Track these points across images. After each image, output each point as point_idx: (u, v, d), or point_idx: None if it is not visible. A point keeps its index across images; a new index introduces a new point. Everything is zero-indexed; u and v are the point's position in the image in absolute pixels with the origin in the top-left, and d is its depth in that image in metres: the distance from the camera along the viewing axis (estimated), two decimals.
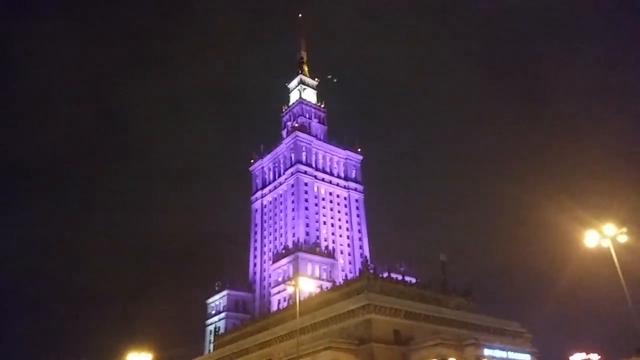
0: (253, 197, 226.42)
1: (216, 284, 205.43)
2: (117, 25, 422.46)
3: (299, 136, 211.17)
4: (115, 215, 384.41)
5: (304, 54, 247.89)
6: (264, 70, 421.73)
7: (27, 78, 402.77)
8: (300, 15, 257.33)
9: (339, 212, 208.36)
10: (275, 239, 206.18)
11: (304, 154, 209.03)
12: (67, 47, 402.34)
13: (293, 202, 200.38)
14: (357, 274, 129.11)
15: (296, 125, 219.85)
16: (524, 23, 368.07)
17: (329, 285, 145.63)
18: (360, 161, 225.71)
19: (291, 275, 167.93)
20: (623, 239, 47.37)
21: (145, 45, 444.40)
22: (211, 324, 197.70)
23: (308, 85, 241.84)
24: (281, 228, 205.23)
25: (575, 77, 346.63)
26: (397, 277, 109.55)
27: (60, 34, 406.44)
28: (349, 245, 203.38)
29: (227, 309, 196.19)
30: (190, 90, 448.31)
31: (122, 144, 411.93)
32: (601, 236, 48.09)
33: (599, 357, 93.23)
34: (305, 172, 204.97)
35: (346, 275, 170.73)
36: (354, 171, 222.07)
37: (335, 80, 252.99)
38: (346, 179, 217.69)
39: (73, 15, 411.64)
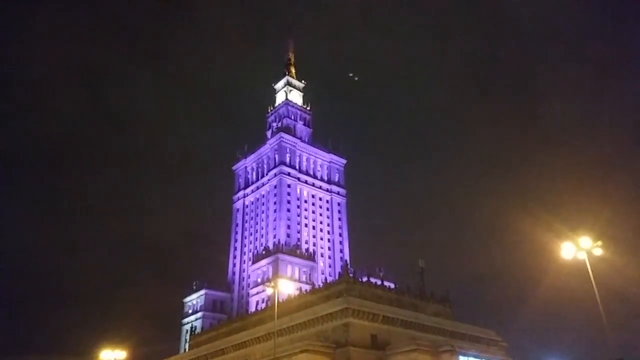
0: (235, 197, 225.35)
1: (194, 283, 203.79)
2: (114, 20, 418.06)
3: (283, 137, 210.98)
4: (97, 213, 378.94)
5: (291, 56, 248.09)
6: (252, 70, 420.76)
7: (21, 73, 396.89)
8: (289, 17, 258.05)
9: (320, 215, 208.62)
10: (256, 240, 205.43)
11: (288, 155, 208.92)
12: (64, 42, 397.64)
13: (275, 203, 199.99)
14: (337, 277, 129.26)
15: (281, 126, 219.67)
16: (520, 38, 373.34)
17: (308, 287, 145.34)
18: (344, 165, 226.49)
19: (270, 277, 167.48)
20: (598, 252, 48.54)
21: (140, 41, 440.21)
22: (187, 323, 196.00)
23: (294, 87, 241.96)
24: (262, 229, 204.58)
25: (565, 91, 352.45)
26: (376, 282, 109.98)
27: (57, 28, 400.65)
28: (329, 249, 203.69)
29: (204, 308, 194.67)
30: (181, 88, 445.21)
31: (112, 141, 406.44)
32: (577, 249, 49.17)
33: None
34: (289, 174, 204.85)
35: (326, 279, 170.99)
36: (337, 175, 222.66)
37: (356, 79, 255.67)
38: (329, 182, 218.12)
39: (70, 10, 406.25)
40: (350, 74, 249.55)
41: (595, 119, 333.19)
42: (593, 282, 48.60)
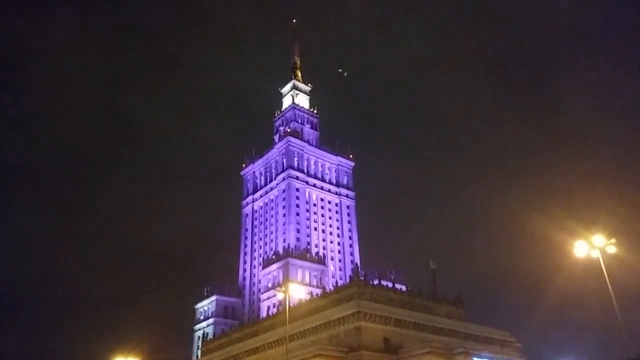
0: (244, 202, 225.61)
1: (205, 289, 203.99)
2: (129, 27, 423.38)
3: (291, 141, 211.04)
4: (108, 219, 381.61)
5: (297, 60, 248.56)
6: (258, 75, 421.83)
7: (37, 76, 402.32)
8: (294, 20, 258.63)
9: (330, 218, 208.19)
10: (266, 244, 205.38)
11: (295, 159, 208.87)
12: (78, 47, 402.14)
13: (284, 207, 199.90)
14: (348, 280, 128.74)
15: (288, 130, 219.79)
16: (532, 35, 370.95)
17: (319, 291, 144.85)
18: (352, 167, 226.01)
19: (281, 281, 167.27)
20: (612, 249, 47.80)
21: (153, 48, 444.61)
22: (199, 329, 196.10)
23: (301, 90, 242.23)
24: (272, 233, 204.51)
25: (581, 90, 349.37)
26: (387, 285, 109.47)
27: (72, 33, 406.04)
28: (339, 252, 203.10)
29: (215, 314, 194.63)
30: (189, 94, 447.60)
31: (124, 147, 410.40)
32: (590, 247, 48.49)
33: None
34: (297, 178, 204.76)
35: (336, 282, 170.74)
36: (345, 177, 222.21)
37: (345, 74, 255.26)
38: (338, 185, 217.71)
39: (85, 14, 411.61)
40: (340, 70, 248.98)
41: (610, 117, 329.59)
42: (607, 281, 47.84)
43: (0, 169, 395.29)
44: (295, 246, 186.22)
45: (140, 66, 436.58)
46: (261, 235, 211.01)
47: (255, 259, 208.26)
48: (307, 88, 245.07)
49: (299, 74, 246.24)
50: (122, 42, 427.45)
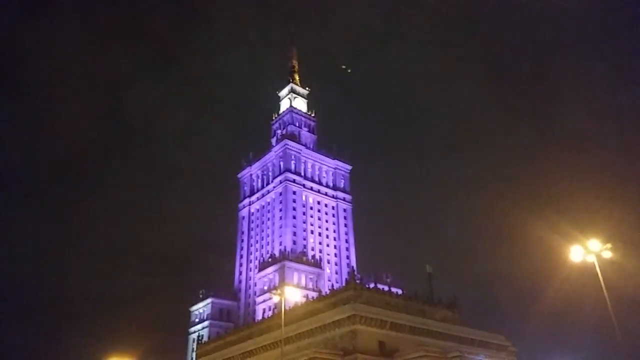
0: (240, 205, 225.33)
1: (200, 291, 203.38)
2: (132, 29, 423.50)
3: (288, 144, 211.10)
4: (105, 221, 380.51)
5: (295, 63, 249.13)
6: (256, 78, 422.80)
7: (39, 77, 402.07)
8: (293, 25, 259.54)
9: (326, 221, 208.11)
10: (262, 247, 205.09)
11: (293, 162, 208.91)
12: (81, 48, 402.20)
13: (281, 210, 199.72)
14: (344, 284, 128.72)
15: (286, 133, 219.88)
16: (533, 38, 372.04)
17: (315, 294, 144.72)
18: (349, 171, 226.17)
19: (277, 284, 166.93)
20: (608, 254, 47.93)
21: (153, 50, 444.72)
22: (194, 332, 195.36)
23: (299, 94, 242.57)
24: (268, 236, 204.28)
25: (580, 98, 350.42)
26: (383, 288, 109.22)
27: (74, 35, 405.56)
28: (335, 255, 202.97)
29: (211, 317, 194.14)
30: (192, 96, 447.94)
31: (122, 149, 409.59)
32: (586, 251, 48.60)
33: None
34: (294, 181, 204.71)
35: (332, 285, 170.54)
36: (342, 181, 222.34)
37: (349, 71, 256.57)
38: (335, 188, 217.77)
39: (88, 16, 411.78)
40: (343, 66, 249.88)
41: (607, 121, 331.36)
42: (603, 286, 47.96)
43: (2, 169, 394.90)
44: (291, 249, 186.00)
45: (141, 68, 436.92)
46: (257, 238, 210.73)
47: (251, 262, 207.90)
48: (305, 91, 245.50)
49: (297, 78, 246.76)
50: (125, 44, 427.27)
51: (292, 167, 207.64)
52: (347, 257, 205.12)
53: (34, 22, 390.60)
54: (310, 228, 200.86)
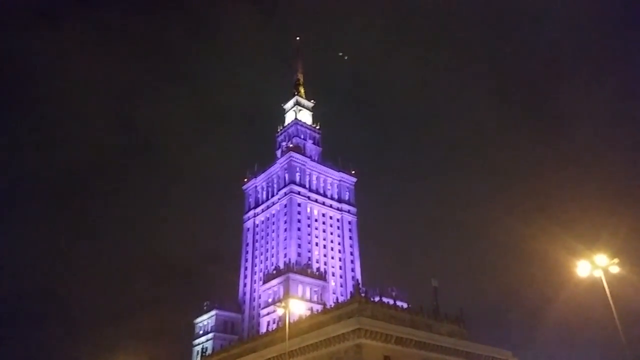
0: (245, 216, 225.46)
1: (205, 303, 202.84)
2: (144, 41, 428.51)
3: (293, 157, 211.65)
4: (109, 232, 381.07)
5: (300, 76, 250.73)
6: (264, 90, 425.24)
7: (51, 89, 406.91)
8: (298, 38, 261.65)
9: (331, 234, 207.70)
10: (267, 259, 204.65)
11: (298, 174, 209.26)
12: (93, 60, 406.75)
13: (285, 222, 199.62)
14: (349, 297, 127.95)
15: (291, 145, 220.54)
16: (540, 52, 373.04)
17: (319, 307, 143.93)
18: (354, 183, 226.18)
19: (281, 297, 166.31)
20: (615, 269, 47.60)
21: (162, 62, 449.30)
22: (199, 344, 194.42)
23: (304, 106, 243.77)
24: (273, 248, 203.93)
25: (585, 113, 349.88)
26: (388, 302, 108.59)
27: (86, 46, 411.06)
28: (340, 268, 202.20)
29: (215, 329, 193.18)
30: (199, 108, 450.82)
31: (130, 158, 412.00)
32: (593, 267, 48.26)
33: None
34: (299, 193, 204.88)
35: (337, 298, 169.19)
36: (347, 193, 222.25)
37: (346, 58, 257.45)
38: (340, 200, 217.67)
39: (99, 29, 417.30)
40: (340, 53, 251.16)
41: (613, 135, 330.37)
42: (610, 301, 47.59)
43: (10, 179, 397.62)
44: (296, 261, 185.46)
45: (150, 80, 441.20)
46: (262, 250, 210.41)
47: (255, 274, 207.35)
48: (310, 104, 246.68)
49: (302, 90, 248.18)
50: (139, 56, 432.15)
51: (297, 179, 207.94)
52: (352, 270, 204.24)
53: (51, 34, 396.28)
54: (315, 240, 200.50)
